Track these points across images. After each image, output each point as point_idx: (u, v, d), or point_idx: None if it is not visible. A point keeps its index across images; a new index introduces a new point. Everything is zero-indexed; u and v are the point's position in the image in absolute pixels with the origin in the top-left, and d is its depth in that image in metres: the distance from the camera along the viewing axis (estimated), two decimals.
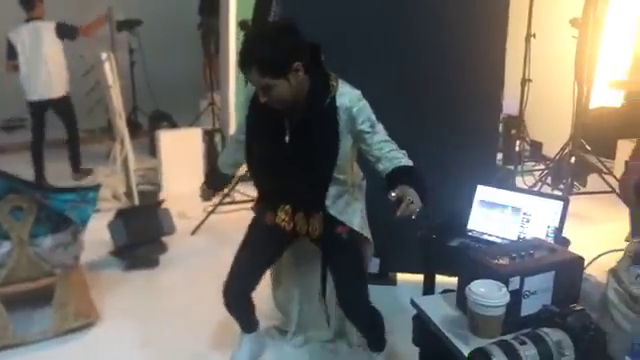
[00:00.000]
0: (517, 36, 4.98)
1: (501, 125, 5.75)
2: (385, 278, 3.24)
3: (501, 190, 2.12)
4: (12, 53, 4.50)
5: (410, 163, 1.88)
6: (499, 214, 2.09)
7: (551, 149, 5.02)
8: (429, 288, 2.12)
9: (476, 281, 1.39)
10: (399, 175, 1.82)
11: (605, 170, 4.28)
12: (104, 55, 4.19)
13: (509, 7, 2.83)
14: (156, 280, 3.35)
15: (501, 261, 1.45)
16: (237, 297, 2.21)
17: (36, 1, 4.52)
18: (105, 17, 4.70)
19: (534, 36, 4.30)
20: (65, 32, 4.58)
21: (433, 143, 2.85)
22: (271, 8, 3.20)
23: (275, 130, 1.89)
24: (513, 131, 5.23)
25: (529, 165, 5.33)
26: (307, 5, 2.68)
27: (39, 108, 4.71)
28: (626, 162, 4.18)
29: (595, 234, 3.43)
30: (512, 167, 4.75)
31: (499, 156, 5.49)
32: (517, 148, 4.78)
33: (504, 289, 1.36)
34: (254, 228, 2.19)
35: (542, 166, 5.04)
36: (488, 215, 2.12)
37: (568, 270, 1.47)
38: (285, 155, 1.90)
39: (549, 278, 1.43)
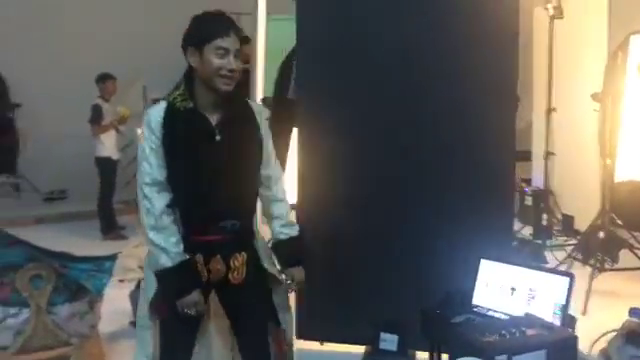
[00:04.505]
0: (539, 110, 5.05)
1: (531, 198, 5.70)
2: (404, 356, 3.15)
3: (505, 264, 2.08)
4: None
5: (293, 232, 2.05)
6: (504, 290, 2.04)
7: (583, 223, 4.90)
8: None
9: (463, 359, 1.35)
10: (285, 252, 2.05)
11: (637, 245, 4.12)
12: (139, 131, 4.48)
13: (518, 68, 2.86)
14: None
15: (489, 338, 1.41)
16: None
17: (100, 84, 5.62)
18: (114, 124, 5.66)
19: (555, 110, 4.32)
20: (91, 115, 5.54)
21: (441, 214, 2.86)
22: (289, 85, 3.37)
23: (202, 132, 1.87)
24: (542, 204, 5.16)
25: (561, 240, 5.19)
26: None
27: None
28: None
29: (619, 311, 3.28)
30: (540, 242, 4.64)
31: (529, 230, 5.39)
32: (544, 222, 4.68)
33: None
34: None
35: (574, 241, 4.90)
36: (493, 290, 2.07)
37: (561, 349, 1.41)
38: (216, 156, 1.87)
39: (540, 357, 1.38)
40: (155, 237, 1.85)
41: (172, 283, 1.86)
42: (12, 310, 2.56)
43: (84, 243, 5.23)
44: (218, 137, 1.87)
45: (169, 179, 1.86)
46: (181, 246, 1.86)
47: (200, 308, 1.89)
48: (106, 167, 5.64)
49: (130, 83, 5.75)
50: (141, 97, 5.05)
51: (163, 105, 1.89)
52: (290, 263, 2.04)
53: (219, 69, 1.80)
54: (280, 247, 2.03)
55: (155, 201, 1.84)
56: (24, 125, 6.80)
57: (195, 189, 1.87)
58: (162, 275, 1.86)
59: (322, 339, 3.18)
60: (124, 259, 4.61)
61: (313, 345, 3.11)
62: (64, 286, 2.68)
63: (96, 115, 5.53)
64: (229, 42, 1.81)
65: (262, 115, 1.99)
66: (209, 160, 1.86)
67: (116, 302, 3.43)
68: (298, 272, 2.05)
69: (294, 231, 2.05)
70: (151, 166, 1.85)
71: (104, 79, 5.61)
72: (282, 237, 2.02)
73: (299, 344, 3.11)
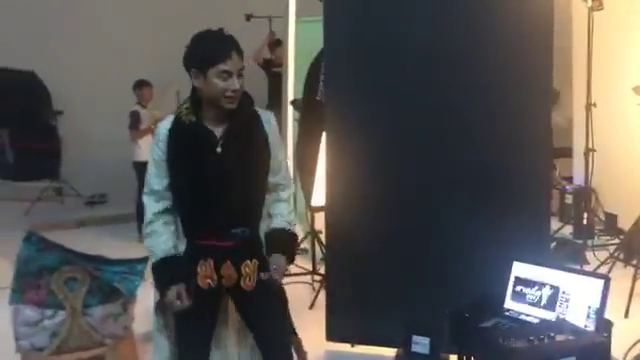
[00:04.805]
0: (579, 105, 4.86)
1: (571, 197, 5.51)
2: (436, 359, 3.09)
3: (538, 267, 2.01)
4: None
5: (286, 225, 2.02)
6: (536, 293, 1.97)
7: (627, 222, 4.70)
8: None
9: None
10: (274, 239, 2.00)
11: None
12: None
13: (552, 67, 2.77)
14: None
15: (516, 344, 1.36)
16: None
17: (137, 91, 5.66)
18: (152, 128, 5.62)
19: (595, 105, 4.16)
20: (130, 121, 5.60)
21: (473, 215, 2.80)
22: (318, 88, 3.37)
23: (204, 145, 1.90)
24: (583, 203, 4.97)
25: (603, 239, 4.99)
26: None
27: None
28: None
29: None
30: (581, 241, 4.47)
31: (570, 229, 5.21)
32: (585, 221, 4.51)
33: None
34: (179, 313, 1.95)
35: (618, 240, 4.70)
36: (525, 294, 2.00)
37: (591, 355, 1.35)
38: (219, 167, 1.88)
39: None
40: (146, 242, 1.98)
41: (157, 277, 1.94)
42: (48, 312, 2.62)
43: (123, 245, 5.33)
44: (219, 149, 1.89)
45: (175, 189, 1.94)
46: (170, 243, 1.94)
47: (178, 305, 1.87)
48: (143, 171, 5.72)
49: (164, 89, 5.85)
50: (175, 102, 5.14)
51: (171, 119, 1.97)
52: (278, 250, 1.99)
53: (224, 91, 1.85)
54: (274, 234, 2.01)
55: (149, 209, 1.97)
56: (66, 132, 7.03)
57: (201, 199, 1.92)
58: (152, 271, 1.98)
59: (353, 341, 3.15)
60: None
61: (344, 347, 3.09)
62: (98, 288, 2.72)
63: (134, 121, 5.65)
64: (232, 64, 1.84)
65: (271, 124, 2.00)
66: (212, 171, 1.89)
67: (149, 303, 3.48)
68: (284, 261, 1.98)
69: (292, 227, 2.06)
70: (150, 176, 1.98)
71: (141, 86, 5.72)
72: (279, 226, 2.01)
73: (329, 346, 3.10)
